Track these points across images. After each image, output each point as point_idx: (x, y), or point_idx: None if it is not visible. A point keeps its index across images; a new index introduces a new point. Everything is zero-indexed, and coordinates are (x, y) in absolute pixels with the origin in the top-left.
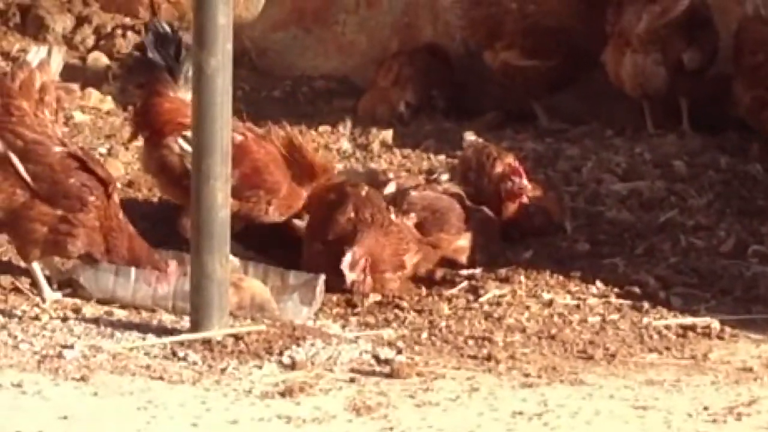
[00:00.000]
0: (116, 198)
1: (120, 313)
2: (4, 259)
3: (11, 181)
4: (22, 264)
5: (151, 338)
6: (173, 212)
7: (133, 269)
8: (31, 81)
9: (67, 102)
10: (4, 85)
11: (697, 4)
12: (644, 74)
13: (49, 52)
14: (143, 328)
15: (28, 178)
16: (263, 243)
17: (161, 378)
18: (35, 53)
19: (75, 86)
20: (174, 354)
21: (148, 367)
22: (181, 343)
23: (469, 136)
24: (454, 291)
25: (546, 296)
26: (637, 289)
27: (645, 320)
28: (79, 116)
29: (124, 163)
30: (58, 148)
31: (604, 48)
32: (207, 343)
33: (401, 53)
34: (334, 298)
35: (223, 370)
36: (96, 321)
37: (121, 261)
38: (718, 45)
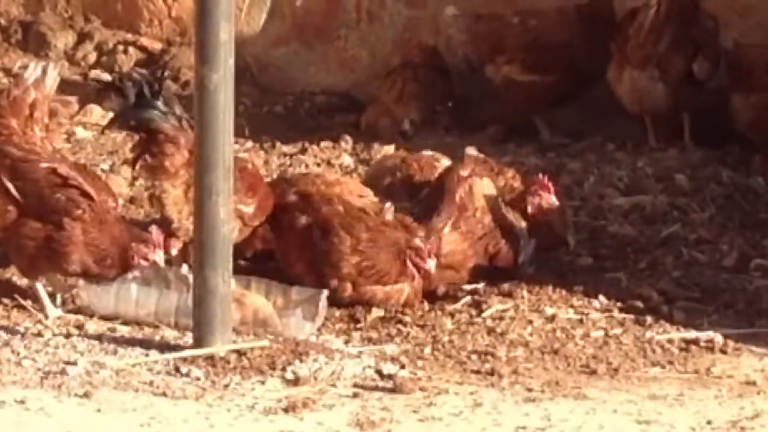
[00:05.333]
0: (115, 210)
1: (123, 330)
2: (7, 275)
3: (3, 198)
4: (25, 281)
5: (154, 354)
6: None
7: (133, 285)
8: (22, 98)
9: (64, 116)
10: None
11: (697, 15)
12: (640, 90)
13: (45, 69)
14: (146, 344)
15: (17, 195)
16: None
17: (164, 394)
18: (32, 70)
19: (72, 99)
20: (177, 370)
21: (151, 383)
22: (184, 359)
23: (471, 152)
24: (457, 306)
25: (549, 311)
26: (639, 304)
27: (648, 334)
28: (81, 132)
29: (126, 180)
30: (44, 164)
31: (604, 63)
32: (210, 358)
33: (405, 67)
34: (337, 313)
35: (226, 386)
36: (99, 337)
37: (114, 271)
38: (720, 55)
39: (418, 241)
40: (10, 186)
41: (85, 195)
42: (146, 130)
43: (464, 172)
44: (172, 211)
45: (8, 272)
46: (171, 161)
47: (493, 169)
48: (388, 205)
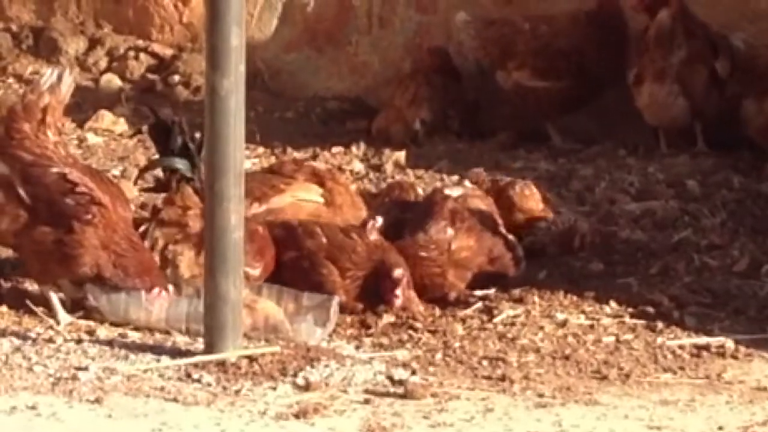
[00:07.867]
0: (127, 216)
1: (134, 335)
2: (18, 281)
3: (15, 203)
4: (36, 287)
5: (165, 360)
6: None
7: (143, 292)
8: (36, 103)
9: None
10: (10, 109)
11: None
12: (659, 104)
13: (60, 75)
14: (157, 350)
15: (28, 200)
16: None
17: (176, 400)
18: (47, 76)
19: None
20: (188, 376)
21: (162, 388)
22: (196, 365)
23: (477, 172)
24: (468, 311)
25: (560, 316)
26: (651, 309)
27: (659, 340)
28: (92, 138)
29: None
30: (54, 169)
31: (615, 69)
32: (221, 364)
33: (417, 73)
34: (348, 319)
35: (237, 392)
36: (110, 343)
37: (130, 280)
38: (734, 53)
39: (398, 272)
40: (21, 190)
41: (95, 202)
42: (177, 179)
43: (450, 192)
44: (185, 274)
45: (20, 278)
46: (195, 222)
47: (491, 189)
48: (372, 222)
